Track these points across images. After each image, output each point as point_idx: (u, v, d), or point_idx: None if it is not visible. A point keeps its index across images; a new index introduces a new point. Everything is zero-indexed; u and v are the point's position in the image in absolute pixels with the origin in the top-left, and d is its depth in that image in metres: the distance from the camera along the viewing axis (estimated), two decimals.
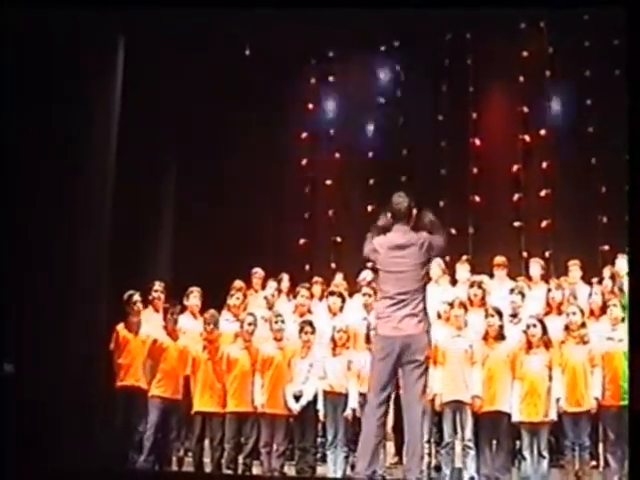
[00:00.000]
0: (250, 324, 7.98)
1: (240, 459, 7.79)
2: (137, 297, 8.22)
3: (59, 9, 7.89)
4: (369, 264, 7.72)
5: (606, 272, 8.59)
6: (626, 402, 6.82)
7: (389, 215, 6.24)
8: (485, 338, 7.56)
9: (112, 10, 8.50)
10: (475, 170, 11.54)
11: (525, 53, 11.49)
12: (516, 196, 11.32)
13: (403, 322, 5.98)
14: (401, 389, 6.37)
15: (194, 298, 8.68)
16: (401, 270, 6.05)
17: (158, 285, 8.76)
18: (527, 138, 11.43)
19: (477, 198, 11.40)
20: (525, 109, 11.49)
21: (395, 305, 6.03)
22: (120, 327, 8.12)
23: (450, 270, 9.24)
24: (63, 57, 8.26)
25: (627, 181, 5.80)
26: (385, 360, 6.02)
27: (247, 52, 11.92)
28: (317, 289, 9.40)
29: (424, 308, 6.07)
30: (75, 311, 8.35)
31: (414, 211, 6.21)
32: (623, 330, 7.15)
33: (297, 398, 7.77)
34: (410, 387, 6.02)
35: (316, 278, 9.75)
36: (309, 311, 8.78)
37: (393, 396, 6.44)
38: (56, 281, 8.10)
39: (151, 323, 8.38)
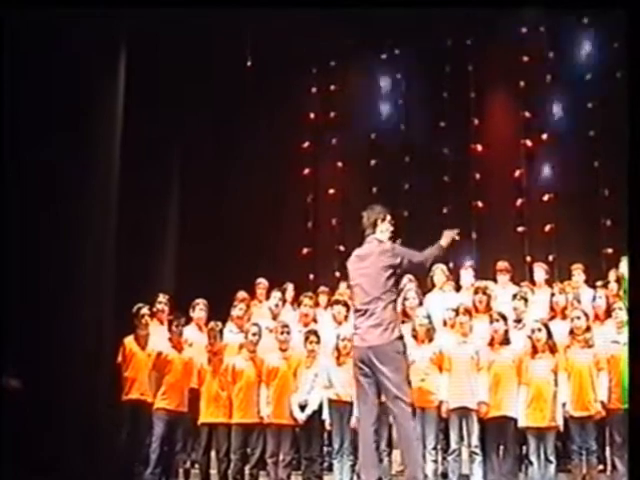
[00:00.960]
0: (254, 334, 7.98)
1: (247, 470, 7.79)
2: (145, 310, 8.26)
3: (62, 10, 7.91)
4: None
5: (611, 275, 8.59)
6: None
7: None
8: (491, 344, 7.54)
9: (114, 13, 8.53)
10: (478, 176, 11.57)
11: (526, 58, 11.53)
12: (519, 201, 11.33)
13: (368, 333, 6.01)
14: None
15: (200, 310, 8.69)
16: (362, 281, 6.10)
17: (162, 297, 8.80)
18: (529, 143, 11.46)
19: (480, 204, 11.43)
20: (527, 114, 11.52)
21: (362, 316, 6.08)
22: (127, 340, 8.16)
23: (454, 276, 9.24)
24: (65, 60, 8.27)
25: (627, 184, 5.78)
26: (357, 371, 6.08)
27: (249, 63, 11.95)
28: (323, 298, 9.42)
29: (391, 316, 6.04)
30: (80, 324, 8.37)
31: (379, 221, 6.24)
32: None
33: (302, 408, 7.77)
34: (390, 397, 5.98)
35: (322, 288, 9.76)
36: (314, 320, 8.79)
37: (379, 404, 6.36)
38: (61, 294, 8.12)
39: (156, 335, 8.40)
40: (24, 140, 8.00)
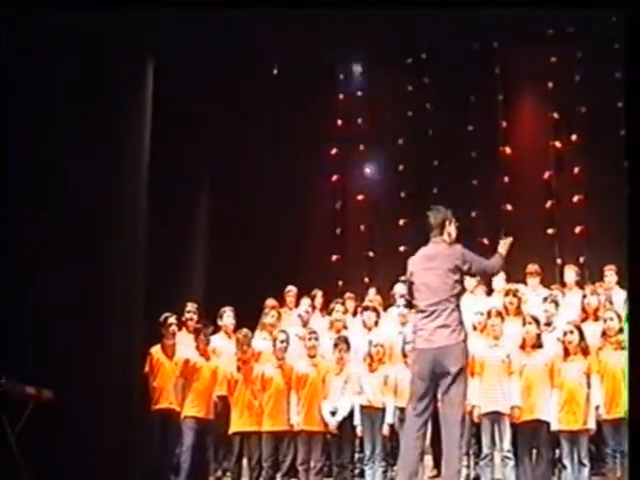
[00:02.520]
0: (282, 341, 8.02)
1: (278, 477, 7.83)
2: (172, 320, 8.31)
3: (91, 21, 7.99)
4: (402, 278, 7.73)
5: None
6: None
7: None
8: (522, 347, 7.53)
9: (141, 24, 8.58)
10: (506, 179, 11.53)
11: (553, 59, 11.46)
12: (549, 203, 11.27)
13: (435, 334, 5.97)
14: (439, 402, 6.34)
15: (228, 317, 8.74)
16: (430, 281, 6.06)
17: (191, 306, 8.85)
18: (558, 144, 11.40)
19: (509, 207, 11.38)
20: (555, 115, 11.47)
21: (427, 317, 6.03)
22: (154, 350, 8.22)
23: (485, 280, 9.19)
24: (93, 71, 8.32)
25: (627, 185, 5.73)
26: (420, 373, 6.03)
27: (275, 71, 12.01)
28: (350, 304, 9.42)
29: (458, 318, 6.04)
30: (110, 334, 8.39)
31: (447, 223, 6.21)
32: None
33: (333, 414, 7.78)
34: (447, 399, 6.00)
35: (348, 294, 9.76)
36: (344, 327, 8.80)
37: (432, 409, 6.40)
38: (90, 304, 8.16)
39: (184, 344, 8.45)
40: (54, 148, 8.06)
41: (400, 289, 9.03)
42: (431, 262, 6.11)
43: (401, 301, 8.52)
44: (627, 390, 6.35)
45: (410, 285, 6.23)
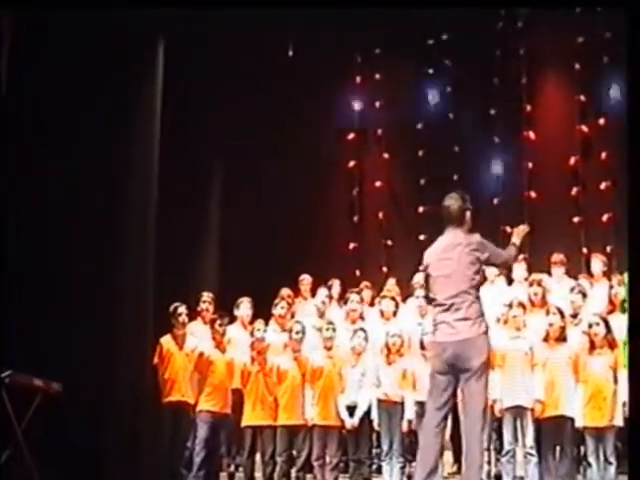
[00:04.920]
0: (298, 333, 7.99)
1: (293, 473, 7.82)
2: (183, 309, 8.29)
3: (98, 10, 7.98)
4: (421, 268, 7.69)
5: None
6: None
7: None
8: (546, 339, 7.48)
9: (151, 10, 8.55)
10: (530, 165, 11.42)
11: (580, 39, 11.33)
12: (574, 190, 11.16)
13: (455, 327, 5.93)
14: (459, 396, 6.31)
15: (245, 308, 8.72)
16: (448, 273, 5.99)
17: (206, 296, 8.84)
18: (585, 128, 11.27)
19: (533, 194, 11.27)
20: (582, 98, 11.33)
21: (447, 310, 5.97)
22: (164, 340, 8.20)
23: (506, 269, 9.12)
24: (101, 59, 8.33)
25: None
26: (441, 366, 5.98)
27: (290, 53, 11.94)
28: (367, 294, 9.37)
29: (478, 310, 5.97)
30: (121, 325, 8.42)
31: (467, 213, 6.12)
32: None
33: (350, 409, 7.75)
34: (467, 393, 5.95)
35: (365, 283, 9.72)
36: (361, 317, 8.76)
37: (452, 403, 6.37)
38: (99, 295, 8.17)
39: (199, 335, 8.45)
40: (61, 140, 8.07)
41: (420, 279, 9.01)
42: (448, 253, 6.01)
43: (420, 292, 8.48)
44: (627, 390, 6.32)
45: (427, 278, 6.16)
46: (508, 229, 9.98)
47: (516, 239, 6.26)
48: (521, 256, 9.20)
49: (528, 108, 11.60)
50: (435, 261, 6.08)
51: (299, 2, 10.04)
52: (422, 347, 7.68)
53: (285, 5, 9.97)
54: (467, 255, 5.96)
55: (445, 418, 6.06)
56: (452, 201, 6.11)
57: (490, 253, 6.03)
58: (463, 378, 5.91)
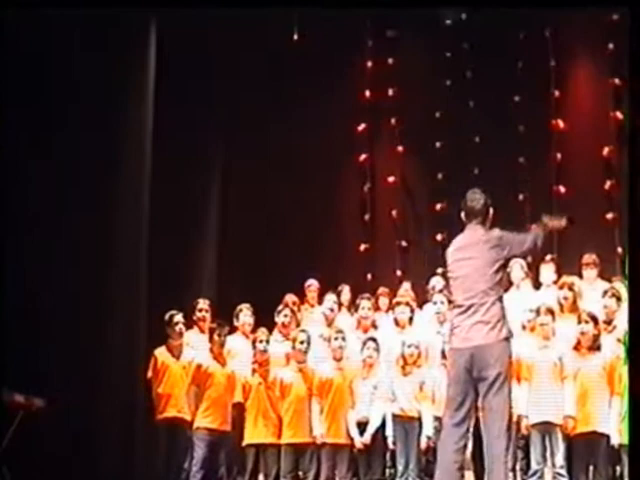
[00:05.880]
0: (302, 342, 8.00)
1: None
2: (179, 318, 8.32)
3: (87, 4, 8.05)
4: (440, 270, 7.70)
5: None
6: None
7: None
8: (577, 348, 7.49)
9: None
10: (559, 156, 11.39)
11: (615, 16, 11.28)
12: (608, 183, 11.12)
13: (471, 331, 5.93)
14: (479, 410, 6.29)
15: (244, 316, 8.71)
16: (467, 273, 6.02)
17: (203, 303, 8.85)
18: (619, 115, 11.22)
19: (562, 188, 11.24)
20: (617, 81, 11.27)
21: (464, 313, 5.99)
22: (159, 352, 8.22)
23: (532, 272, 9.11)
24: (92, 51, 8.37)
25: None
26: (456, 376, 5.99)
27: (295, 36, 11.93)
28: (383, 301, 9.39)
29: (499, 313, 5.97)
30: (110, 335, 8.44)
31: (491, 210, 6.18)
32: None
33: (361, 426, 7.75)
34: (487, 407, 5.96)
35: (382, 289, 9.73)
36: (373, 325, 8.78)
37: (472, 418, 6.35)
38: (88, 303, 8.20)
39: (195, 346, 8.47)
40: (52, 140, 8.14)
41: (437, 283, 9.01)
42: (466, 252, 6.08)
43: (439, 297, 8.48)
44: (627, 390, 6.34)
45: (447, 279, 6.21)
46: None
47: (548, 222, 6.19)
48: (549, 257, 9.23)
49: (556, 94, 11.57)
50: (453, 261, 6.15)
51: None
52: (443, 356, 7.67)
53: None
54: (485, 253, 6.01)
55: (465, 435, 6.06)
56: (476, 196, 6.19)
57: (511, 246, 6.04)
58: (481, 390, 5.92)
